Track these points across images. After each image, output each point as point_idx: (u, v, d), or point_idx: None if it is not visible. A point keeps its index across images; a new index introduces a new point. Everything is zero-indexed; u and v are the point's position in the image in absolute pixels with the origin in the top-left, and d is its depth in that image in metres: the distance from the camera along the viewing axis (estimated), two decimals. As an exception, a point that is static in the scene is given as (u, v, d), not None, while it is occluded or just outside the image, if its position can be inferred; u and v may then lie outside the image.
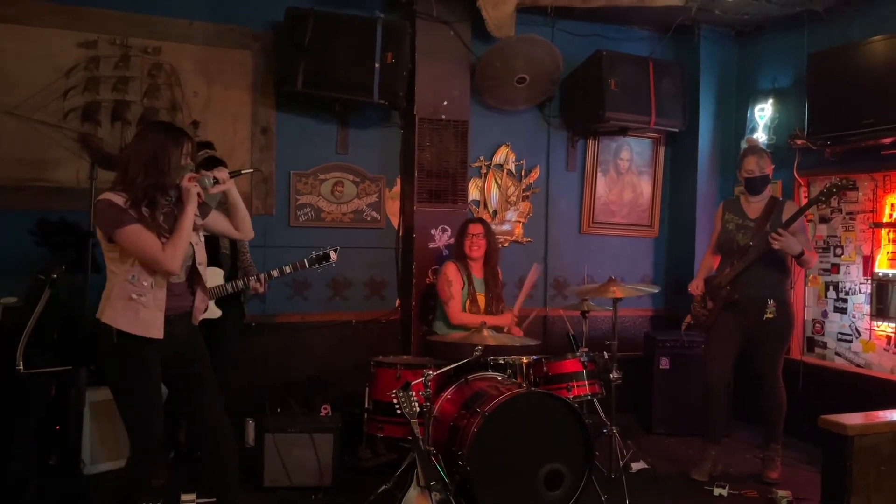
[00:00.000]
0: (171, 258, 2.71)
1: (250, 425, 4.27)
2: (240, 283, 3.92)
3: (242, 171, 3.11)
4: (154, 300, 2.75)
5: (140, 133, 2.90)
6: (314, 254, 3.99)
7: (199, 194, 2.80)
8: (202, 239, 2.99)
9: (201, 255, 2.95)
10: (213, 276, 3.78)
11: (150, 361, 2.80)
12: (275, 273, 3.96)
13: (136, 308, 2.72)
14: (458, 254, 4.45)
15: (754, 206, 4.14)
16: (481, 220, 4.52)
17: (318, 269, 4.04)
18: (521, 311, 4.44)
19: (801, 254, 3.90)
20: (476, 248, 4.35)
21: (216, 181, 2.85)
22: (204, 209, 2.97)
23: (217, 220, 3.04)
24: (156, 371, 2.83)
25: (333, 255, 4.01)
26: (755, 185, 4.12)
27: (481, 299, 4.42)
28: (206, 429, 2.95)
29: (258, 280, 3.95)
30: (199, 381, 2.95)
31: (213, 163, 3.62)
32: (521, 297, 4.41)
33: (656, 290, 4.38)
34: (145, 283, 2.73)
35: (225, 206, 3.07)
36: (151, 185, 2.72)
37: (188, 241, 2.78)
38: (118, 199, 2.70)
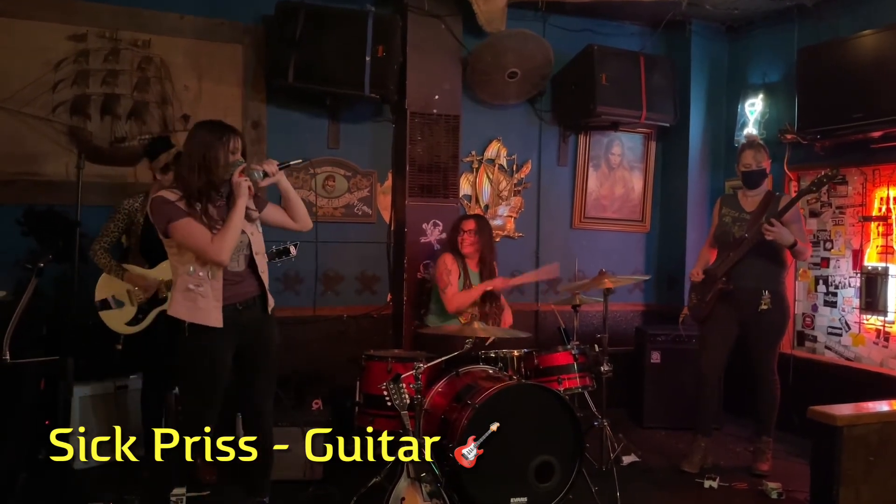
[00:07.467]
0: (219, 249, 2.83)
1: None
2: None
3: (291, 163, 3.15)
4: (212, 290, 2.88)
5: (189, 134, 3.03)
6: (274, 248, 3.96)
7: (249, 188, 2.92)
8: (260, 229, 3.11)
9: (258, 245, 3.07)
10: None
11: (219, 354, 2.94)
12: None
13: (194, 298, 2.87)
14: (451, 249, 4.43)
15: (751, 200, 4.16)
16: (476, 217, 4.46)
17: (278, 264, 4.01)
18: (513, 306, 4.43)
19: (794, 244, 3.91)
20: (468, 244, 4.29)
21: (266, 174, 2.96)
22: (260, 202, 3.09)
23: (274, 213, 3.17)
24: (224, 365, 2.97)
25: (293, 250, 4.00)
26: (752, 179, 4.14)
27: (477, 293, 4.41)
28: (257, 416, 3.17)
29: None
30: (259, 371, 3.11)
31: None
32: (524, 278, 4.41)
33: (647, 279, 4.39)
34: (201, 274, 2.88)
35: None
36: (204, 183, 2.87)
37: (237, 233, 2.90)
38: (171, 196, 2.86)
